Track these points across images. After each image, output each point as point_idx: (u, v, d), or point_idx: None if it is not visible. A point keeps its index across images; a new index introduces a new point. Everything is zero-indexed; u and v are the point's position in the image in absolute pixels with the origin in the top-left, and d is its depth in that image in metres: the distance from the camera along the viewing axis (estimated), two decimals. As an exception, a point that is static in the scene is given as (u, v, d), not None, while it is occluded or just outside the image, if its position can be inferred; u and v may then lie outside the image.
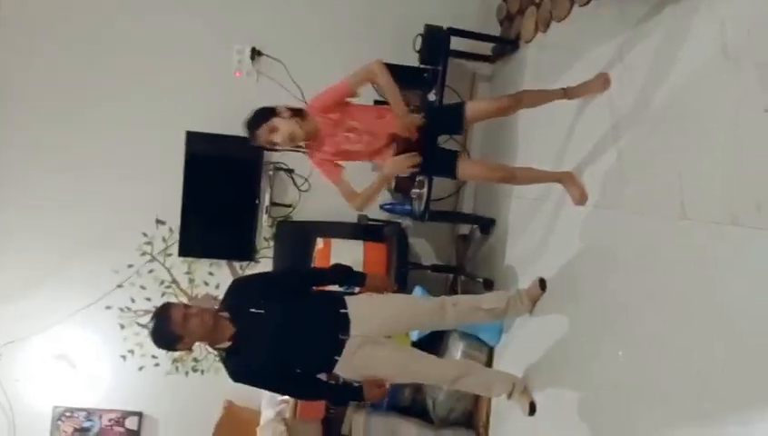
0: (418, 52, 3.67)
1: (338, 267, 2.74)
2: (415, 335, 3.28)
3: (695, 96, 1.97)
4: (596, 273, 2.43)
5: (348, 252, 3.50)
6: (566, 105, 2.72)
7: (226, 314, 2.42)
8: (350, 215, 3.99)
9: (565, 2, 2.97)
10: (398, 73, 3.71)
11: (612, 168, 2.41)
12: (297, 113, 2.46)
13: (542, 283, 2.79)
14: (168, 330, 2.29)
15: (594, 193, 2.53)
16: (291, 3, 3.95)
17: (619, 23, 2.49)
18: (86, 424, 3.93)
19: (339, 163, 2.57)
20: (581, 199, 2.59)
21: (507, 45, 3.70)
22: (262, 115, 2.44)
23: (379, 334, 2.59)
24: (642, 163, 2.24)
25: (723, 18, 1.88)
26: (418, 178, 3.59)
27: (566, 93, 2.65)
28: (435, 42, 3.57)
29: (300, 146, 2.55)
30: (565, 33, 3.03)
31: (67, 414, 3.92)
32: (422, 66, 3.68)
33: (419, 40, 3.64)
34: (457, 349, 3.29)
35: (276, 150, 2.51)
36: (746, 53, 1.76)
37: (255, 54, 3.90)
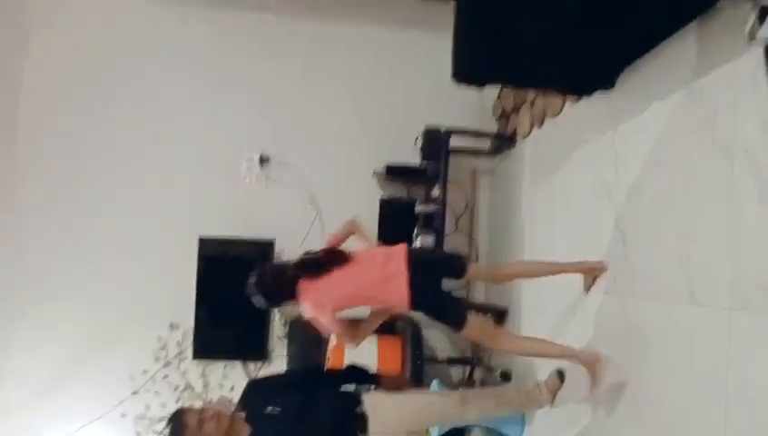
0: (420, 150, 3.83)
1: (352, 369, 2.74)
2: (435, 432, 3.22)
3: (691, 183, 2.06)
4: (613, 362, 2.43)
5: (362, 348, 3.48)
6: (568, 204, 2.81)
7: (242, 415, 2.41)
8: (363, 312, 4.02)
9: (557, 100, 3.15)
10: (402, 171, 3.94)
11: (618, 254, 2.47)
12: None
13: (560, 375, 2.76)
14: None
15: (603, 279, 2.58)
16: (299, 110, 4.16)
17: (610, 117, 2.64)
18: None
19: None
20: (589, 287, 2.65)
21: (504, 141, 3.87)
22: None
23: (398, 431, 2.56)
24: (647, 249, 2.30)
25: (709, 109, 2.00)
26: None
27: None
28: (435, 141, 3.74)
29: None
30: (559, 128, 3.19)
31: None
32: (423, 165, 3.83)
33: (421, 139, 3.82)
34: (478, 444, 3.22)
35: None
36: (734, 142, 1.86)
37: (263, 160, 4.08)
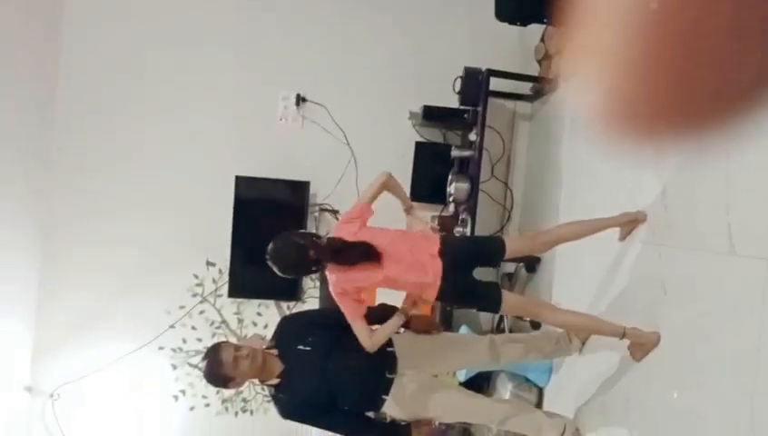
0: (459, 93, 3.74)
1: (384, 307, 2.76)
2: (462, 375, 3.26)
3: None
4: (645, 310, 2.39)
5: (393, 292, 3.51)
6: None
7: (275, 352, 2.47)
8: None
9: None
10: (439, 113, 3.86)
11: (657, 203, 2.39)
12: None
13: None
14: (219, 372, 2.36)
15: (640, 228, 2.51)
16: (335, 49, 4.09)
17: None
18: (140, 462, 4.01)
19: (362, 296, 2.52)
20: (624, 237, 2.56)
21: (546, 85, 3.74)
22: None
23: (426, 373, 2.60)
24: (687, 198, 2.22)
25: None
26: (462, 217, 3.62)
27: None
28: (474, 83, 3.64)
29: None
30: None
31: (123, 453, 4.00)
32: (462, 107, 3.74)
33: (459, 82, 3.72)
34: (505, 389, 3.25)
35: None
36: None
37: (300, 100, 4.04)
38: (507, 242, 2.54)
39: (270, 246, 2.36)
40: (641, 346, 2.30)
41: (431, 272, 2.36)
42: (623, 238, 2.60)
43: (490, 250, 2.56)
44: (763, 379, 1.72)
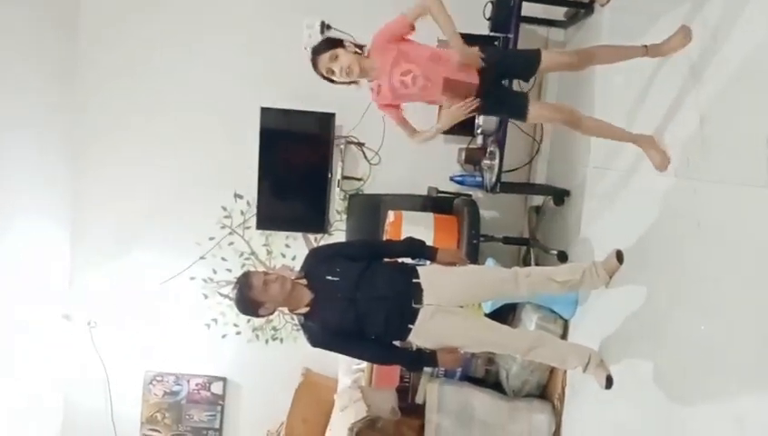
0: (489, 19, 3.60)
1: (410, 240, 2.77)
2: (488, 306, 3.29)
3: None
4: (676, 245, 2.35)
5: (418, 225, 3.52)
6: (645, 64, 2.61)
7: (304, 281, 2.52)
8: (421, 187, 4.02)
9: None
10: (470, 41, 3.71)
11: (694, 134, 2.31)
12: (360, 48, 2.59)
13: (619, 256, 2.71)
14: (250, 296, 2.42)
15: (674, 160, 2.44)
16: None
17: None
18: (175, 388, 4.20)
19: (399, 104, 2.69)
20: (662, 164, 2.48)
21: (580, 9, 3.57)
22: (330, 43, 2.58)
23: (451, 303, 2.62)
24: (726, 128, 2.13)
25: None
26: (490, 149, 3.55)
27: (648, 50, 2.56)
28: (506, 8, 3.49)
29: (355, 81, 2.62)
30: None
31: (158, 378, 4.20)
32: (493, 34, 3.61)
33: (490, 7, 3.57)
34: (530, 321, 3.28)
35: (332, 81, 2.58)
36: None
37: (324, 27, 3.93)
38: (544, 54, 2.57)
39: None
40: (657, 152, 2.48)
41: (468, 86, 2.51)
42: (662, 165, 2.50)
43: (526, 62, 2.59)
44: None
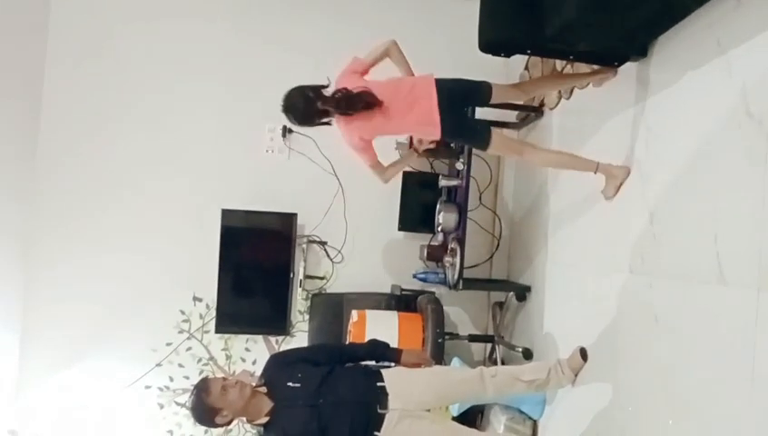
0: (444, 123, 3.74)
1: (374, 343, 2.73)
2: (455, 409, 3.21)
3: (722, 157, 1.97)
4: (636, 340, 2.37)
5: (382, 325, 3.48)
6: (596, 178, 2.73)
7: (264, 390, 2.43)
8: (384, 285, 4.01)
9: (587, 70, 3.03)
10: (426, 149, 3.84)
11: (645, 232, 2.38)
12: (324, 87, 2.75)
13: (583, 353, 2.72)
14: (207, 402, 2.32)
15: (629, 256, 2.50)
16: (321, 81, 4.07)
17: (642, 87, 2.53)
18: (125, 508, 3.88)
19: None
20: (613, 194, 2.64)
21: (531, 113, 3.76)
22: (312, 90, 2.71)
23: (418, 407, 2.55)
24: (676, 227, 2.21)
25: (743, 79, 1.89)
26: (451, 246, 3.59)
27: (573, 78, 3.00)
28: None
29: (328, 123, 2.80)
30: (588, 99, 3.08)
31: (107, 498, 3.88)
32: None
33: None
34: (499, 423, 3.19)
35: (328, 123, 2.79)
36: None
37: (286, 131, 4.03)
38: (494, 85, 2.81)
39: (284, 97, 2.72)
40: (613, 180, 2.60)
41: (430, 109, 2.62)
42: (610, 195, 2.65)
43: (478, 88, 2.78)
44: (757, 409, 1.69)
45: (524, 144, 3.11)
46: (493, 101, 2.84)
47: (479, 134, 2.73)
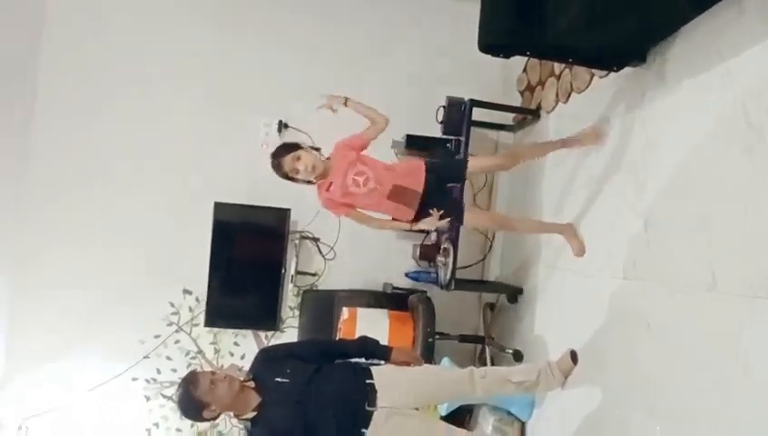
0: (441, 123, 3.74)
1: (364, 340, 2.71)
2: (444, 409, 3.20)
3: (720, 166, 1.97)
4: (628, 345, 2.37)
5: (373, 323, 3.47)
6: (590, 172, 2.74)
7: (252, 384, 2.40)
8: (376, 283, 4.00)
9: (585, 74, 3.04)
10: (423, 143, 3.85)
11: (639, 238, 2.39)
12: (317, 150, 2.89)
13: (573, 356, 2.72)
14: (195, 396, 2.28)
15: (622, 261, 2.50)
16: (317, 77, 4.06)
17: (640, 93, 2.53)
18: (109, 500, 3.85)
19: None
20: (580, 252, 2.86)
21: (528, 115, 3.77)
22: (290, 147, 2.86)
23: (407, 406, 2.53)
24: (669, 234, 2.21)
25: (743, 89, 1.90)
26: (444, 246, 3.59)
27: (565, 142, 2.97)
28: (457, 113, 3.65)
29: (312, 182, 2.88)
30: (585, 103, 3.08)
31: (91, 489, 3.84)
32: (445, 137, 3.74)
33: (442, 111, 3.73)
34: (487, 423, 3.19)
35: (295, 180, 2.85)
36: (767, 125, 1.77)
37: (282, 126, 4.01)
38: (471, 160, 3.02)
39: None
40: (575, 239, 2.87)
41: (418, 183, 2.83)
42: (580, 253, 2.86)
43: (457, 166, 3.03)
44: (747, 417, 1.70)
45: (499, 219, 3.48)
46: (470, 173, 3.00)
47: (456, 213, 2.94)
